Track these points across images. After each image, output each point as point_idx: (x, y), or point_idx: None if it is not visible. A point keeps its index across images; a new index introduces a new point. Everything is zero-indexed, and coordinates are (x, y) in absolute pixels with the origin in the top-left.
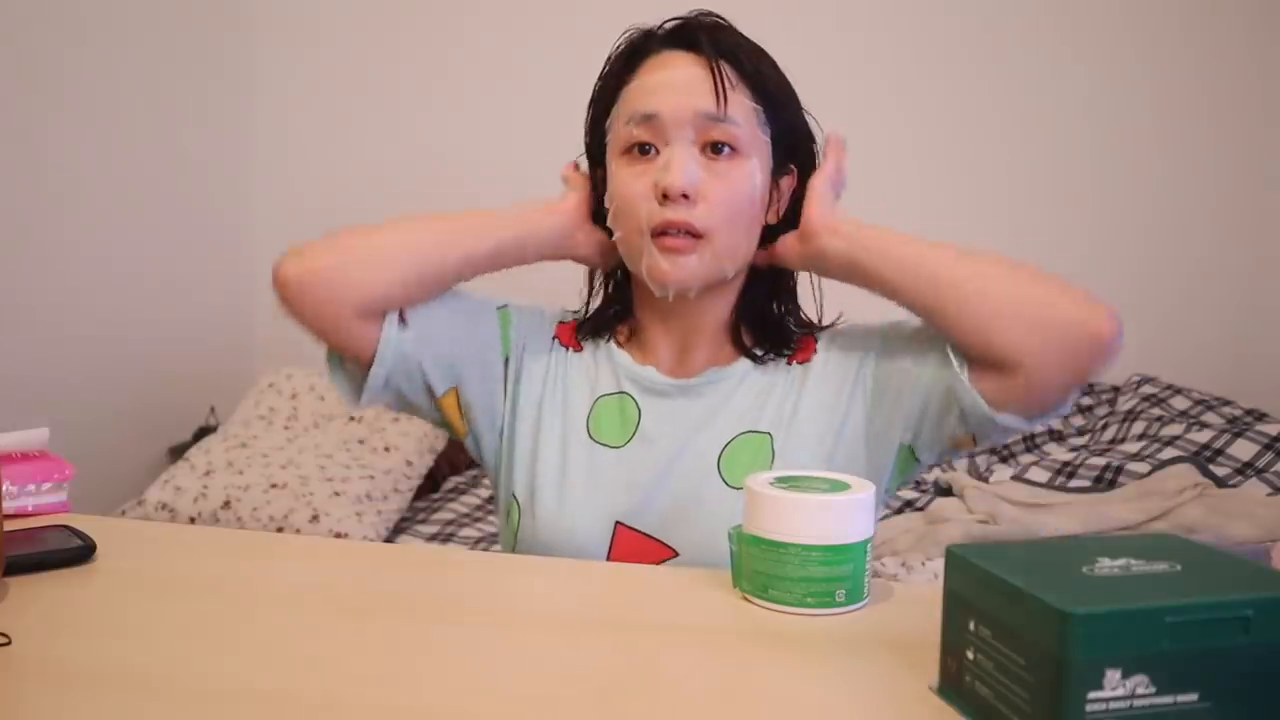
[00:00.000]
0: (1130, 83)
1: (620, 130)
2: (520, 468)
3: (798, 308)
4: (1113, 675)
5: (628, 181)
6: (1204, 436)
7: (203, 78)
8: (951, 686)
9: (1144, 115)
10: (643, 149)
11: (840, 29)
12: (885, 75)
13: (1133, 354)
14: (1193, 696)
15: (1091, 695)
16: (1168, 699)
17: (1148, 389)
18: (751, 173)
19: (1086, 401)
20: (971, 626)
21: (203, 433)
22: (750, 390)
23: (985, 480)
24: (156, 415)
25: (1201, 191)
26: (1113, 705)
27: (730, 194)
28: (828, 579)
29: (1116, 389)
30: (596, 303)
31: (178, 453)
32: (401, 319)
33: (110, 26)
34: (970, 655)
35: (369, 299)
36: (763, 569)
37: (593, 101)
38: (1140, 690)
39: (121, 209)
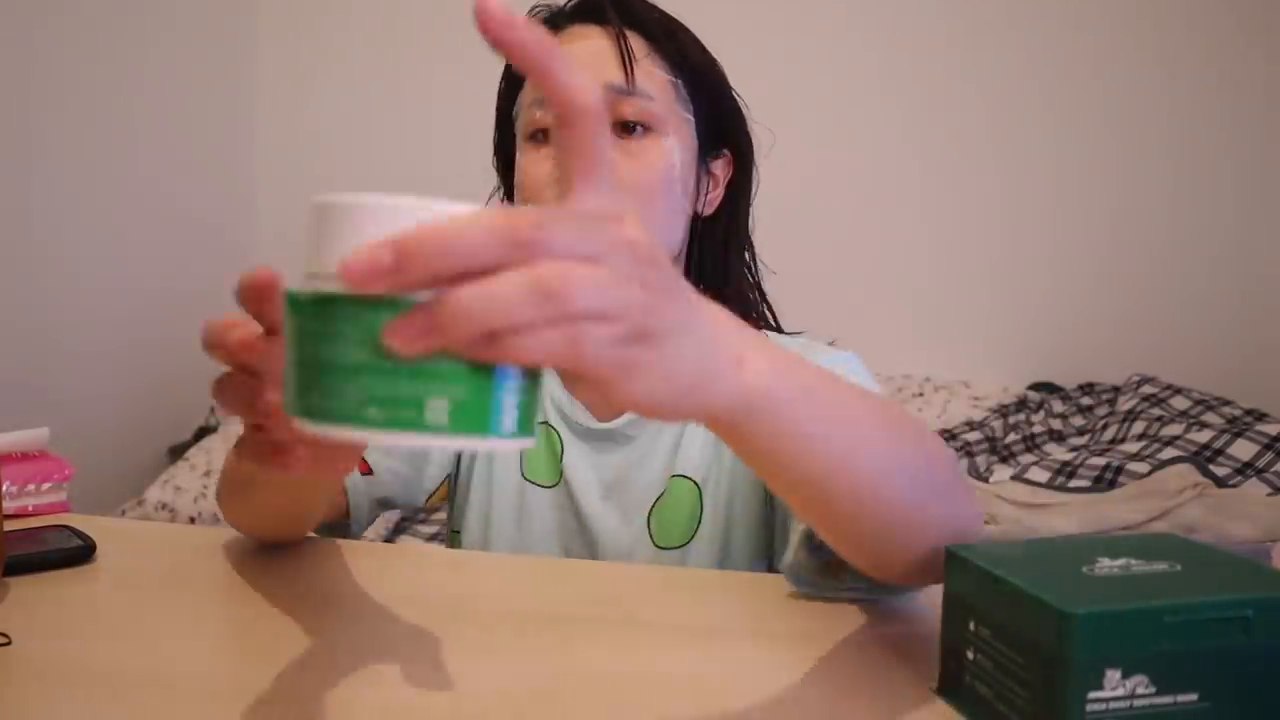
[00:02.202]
0: (1130, 82)
1: (524, 115)
2: (457, 508)
3: (754, 270)
4: (1113, 675)
5: (531, 167)
6: (1204, 436)
7: (203, 78)
8: (951, 686)
9: (1143, 115)
10: (547, 133)
11: (831, 27)
12: (881, 73)
13: (1133, 354)
14: (1193, 696)
15: (1091, 695)
16: (1168, 699)
17: (1148, 389)
18: (668, 150)
19: (1086, 401)
20: (971, 626)
21: (203, 433)
22: (675, 428)
23: (985, 480)
24: (156, 415)
25: (1202, 191)
26: (1113, 705)
27: (643, 175)
28: (412, 375)
29: (1117, 389)
30: None
31: (178, 453)
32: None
33: (110, 28)
34: (970, 655)
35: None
36: (307, 356)
37: (501, 92)
38: (1140, 690)
39: (121, 209)
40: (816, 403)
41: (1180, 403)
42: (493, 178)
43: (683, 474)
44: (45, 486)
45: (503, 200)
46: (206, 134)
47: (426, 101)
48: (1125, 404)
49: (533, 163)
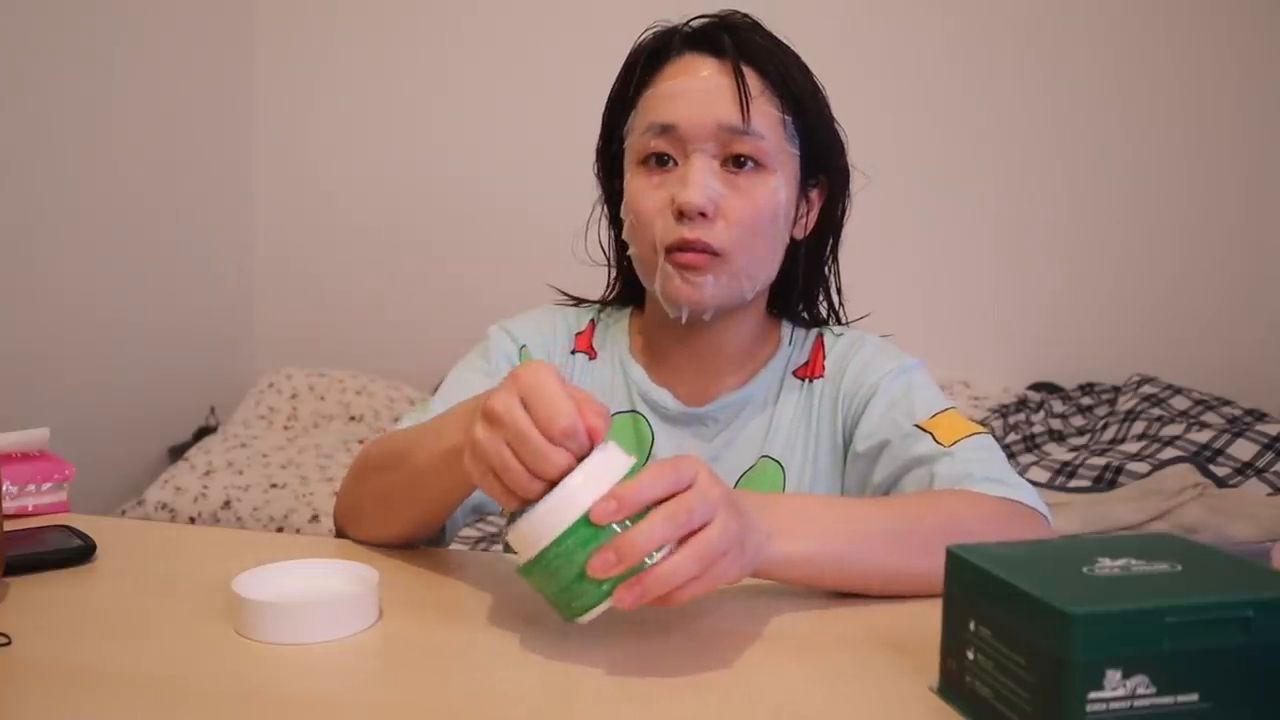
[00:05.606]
0: (1132, 82)
1: (638, 140)
2: None
3: (834, 286)
4: (1113, 675)
5: (644, 194)
6: (1204, 436)
7: (203, 78)
8: (951, 686)
9: (1144, 114)
10: (660, 160)
11: (837, 20)
12: (884, 70)
13: (1133, 354)
14: (1193, 696)
15: (1092, 695)
16: (1168, 699)
17: (1148, 389)
18: (775, 189)
19: (1086, 402)
20: (971, 626)
21: (203, 433)
22: (764, 413)
23: None
24: (156, 415)
25: (1203, 192)
26: (1113, 705)
27: (751, 211)
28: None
29: (1117, 389)
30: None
31: (178, 453)
32: None
33: (111, 26)
34: (970, 655)
35: (399, 540)
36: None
37: (610, 104)
38: (1140, 690)
39: (122, 209)
40: (828, 556)
41: (1180, 403)
42: (484, 174)
43: (769, 455)
44: (45, 486)
45: (603, 204)
46: (206, 134)
47: (427, 100)
48: (1125, 404)
49: (647, 189)
